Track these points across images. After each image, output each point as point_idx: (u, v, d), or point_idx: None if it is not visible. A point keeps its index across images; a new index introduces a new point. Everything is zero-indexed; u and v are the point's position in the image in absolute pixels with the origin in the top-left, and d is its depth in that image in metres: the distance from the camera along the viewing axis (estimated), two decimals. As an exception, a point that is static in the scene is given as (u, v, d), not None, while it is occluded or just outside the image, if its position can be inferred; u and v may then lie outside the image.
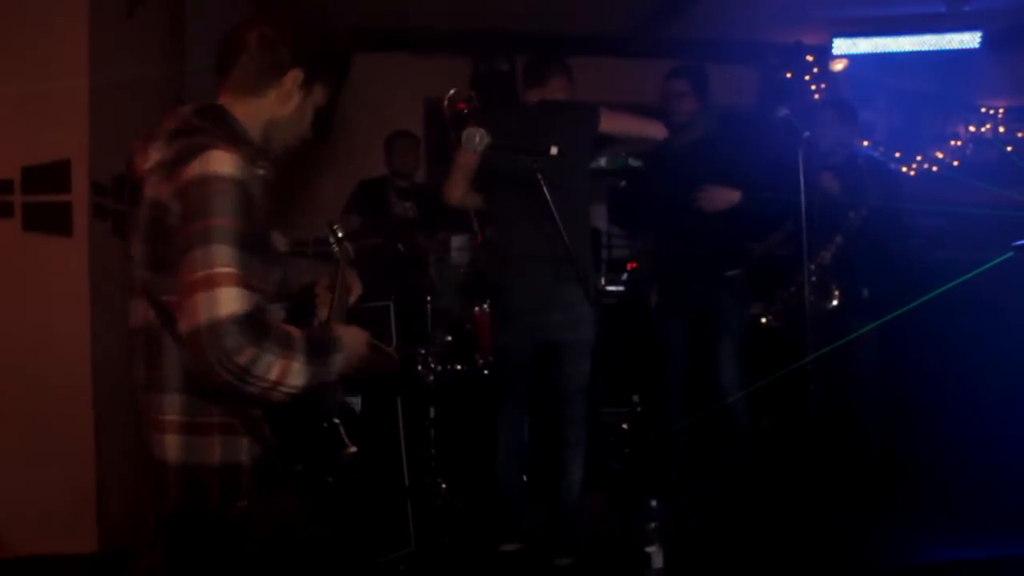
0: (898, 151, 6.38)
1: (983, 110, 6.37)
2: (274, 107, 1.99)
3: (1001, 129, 6.33)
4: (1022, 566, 3.58)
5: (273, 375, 1.71)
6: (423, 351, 4.47)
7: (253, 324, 1.70)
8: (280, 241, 2.01)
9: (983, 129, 6.34)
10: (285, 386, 1.74)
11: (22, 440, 3.53)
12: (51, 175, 3.50)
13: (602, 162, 4.01)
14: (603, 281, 5.71)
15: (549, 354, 3.77)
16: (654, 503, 2.95)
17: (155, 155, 1.82)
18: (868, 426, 4.35)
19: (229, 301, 1.68)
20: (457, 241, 6.14)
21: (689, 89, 4.18)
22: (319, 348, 1.84)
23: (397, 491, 3.76)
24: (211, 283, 1.69)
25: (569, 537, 3.75)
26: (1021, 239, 3.88)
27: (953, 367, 4.70)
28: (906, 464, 4.54)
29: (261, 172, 1.91)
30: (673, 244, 4.37)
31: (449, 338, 4.80)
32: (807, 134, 3.58)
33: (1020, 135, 6.28)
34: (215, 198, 1.73)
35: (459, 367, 4.70)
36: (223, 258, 1.70)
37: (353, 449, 2.01)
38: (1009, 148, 6.23)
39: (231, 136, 1.86)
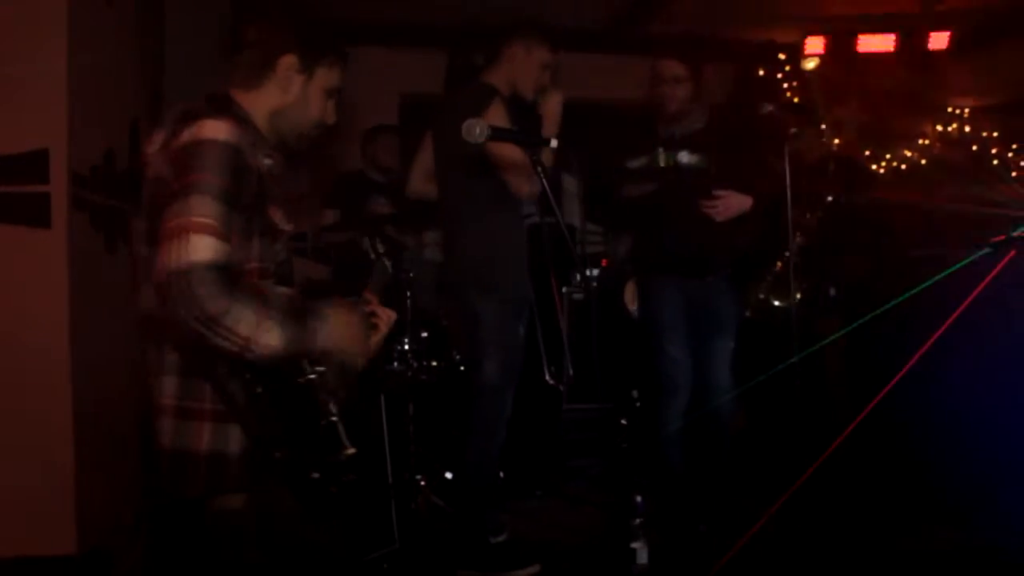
0: (867, 149, 6.47)
1: (950, 109, 6.49)
2: (275, 96, 2.00)
3: (967, 128, 6.45)
4: (984, 557, 3.69)
5: (245, 330, 1.68)
6: (400, 347, 4.43)
7: (226, 276, 1.67)
8: (282, 221, 1.99)
9: (950, 128, 6.45)
10: (259, 345, 1.71)
11: (-3, 438, 3.44)
12: (28, 165, 3.37)
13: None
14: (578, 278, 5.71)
15: None
16: (639, 499, 2.95)
17: (159, 138, 1.85)
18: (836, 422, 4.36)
19: (201, 248, 1.65)
20: (430, 236, 6.08)
21: (686, 73, 3.78)
22: (295, 311, 1.81)
23: (381, 488, 3.72)
24: (185, 230, 1.67)
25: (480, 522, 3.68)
26: (996, 236, 3.95)
27: (926, 364, 4.75)
28: (878, 458, 4.59)
29: (268, 161, 1.93)
30: (673, 241, 3.95)
31: (425, 334, 4.76)
32: (794, 130, 3.61)
33: (985, 134, 6.40)
34: (201, 157, 1.74)
35: (435, 363, 4.66)
36: (201, 208, 1.69)
37: (351, 451, 1.95)
38: (975, 147, 6.35)
39: (231, 116, 1.86)
